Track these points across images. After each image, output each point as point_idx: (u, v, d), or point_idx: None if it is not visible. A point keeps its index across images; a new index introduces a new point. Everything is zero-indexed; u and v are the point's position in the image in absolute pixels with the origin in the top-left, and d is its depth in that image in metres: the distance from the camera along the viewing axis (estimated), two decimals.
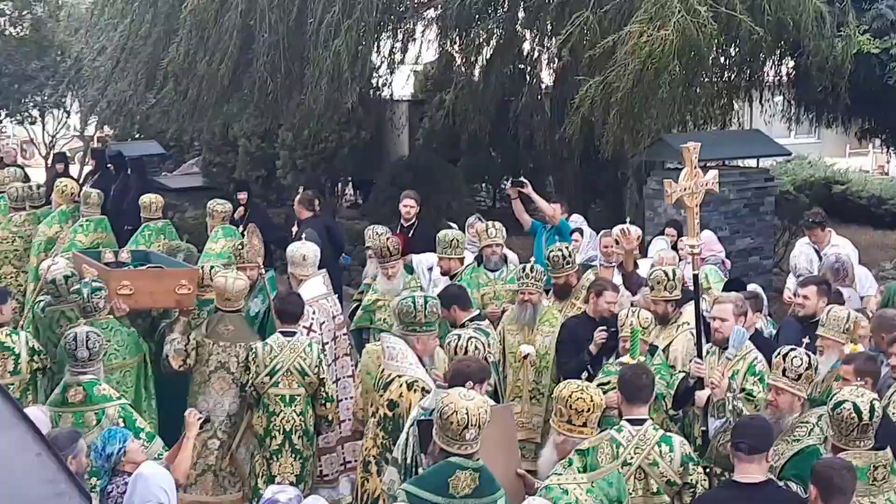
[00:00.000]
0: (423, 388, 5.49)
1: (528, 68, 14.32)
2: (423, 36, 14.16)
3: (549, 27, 11.83)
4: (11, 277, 9.96)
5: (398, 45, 13.94)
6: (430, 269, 8.68)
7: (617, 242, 8.07)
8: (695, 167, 6.12)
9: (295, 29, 11.94)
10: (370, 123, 16.48)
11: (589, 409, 4.71)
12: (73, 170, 17.82)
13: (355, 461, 7.29)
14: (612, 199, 14.19)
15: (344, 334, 7.76)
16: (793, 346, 5.38)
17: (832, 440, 4.80)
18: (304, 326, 7.11)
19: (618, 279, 7.93)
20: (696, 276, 6.22)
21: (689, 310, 6.64)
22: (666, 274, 6.83)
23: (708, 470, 5.51)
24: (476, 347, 5.67)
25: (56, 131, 20.51)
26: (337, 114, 13.19)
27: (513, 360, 7.44)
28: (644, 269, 7.95)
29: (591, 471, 4.62)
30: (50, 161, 18.85)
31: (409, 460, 5.09)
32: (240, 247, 8.05)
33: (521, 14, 12.95)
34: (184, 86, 12.95)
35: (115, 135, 20.25)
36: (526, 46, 14.02)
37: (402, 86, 16.72)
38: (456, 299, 7.01)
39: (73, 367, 6.12)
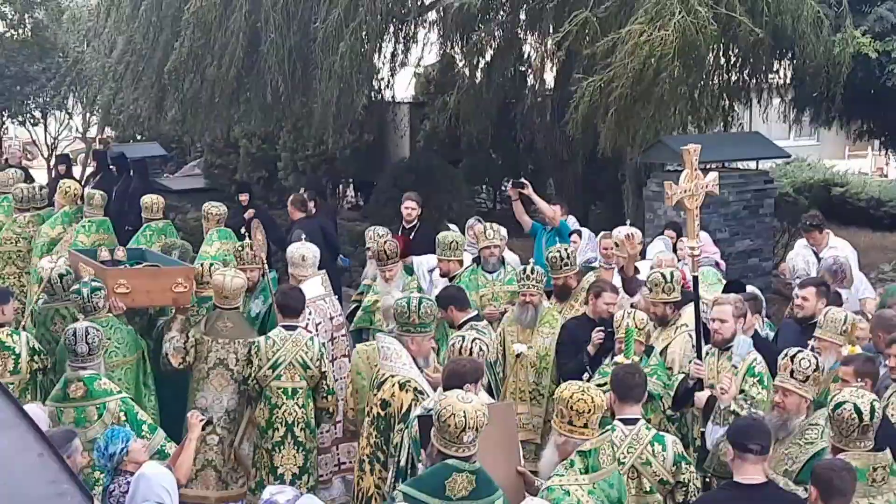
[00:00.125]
0: (415, 389, 5.52)
1: (529, 70, 14.35)
2: (424, 38, 14.20)
3: (549, 27, 11.84)
4: (14, 278, 9.98)
5: (400, 47, 13.98)
6: (431, 271, 8.69)
7: (617, 245, 8.07)
8: (695, 169, 6.13)
9: (298, 30, 11.97)
10: (372, 125, 16.50)
11: (590, 411, 4.71)
12: (76, 171, 17.83)
13: (350, 462, 7.33)
14: (613, 200, 14.21)
15: (343, 335, 7.77)
16: (800, 348, 5.39)
17: (832, 441, 4.80)
18: (300, 327, 7.13)
19: (618, 281, 7.93)
20: (696, 278, 6.23)
21: (688, 311, 6.64)
22: (664, 276, 6.83)
23: (707, 479, 5.53)
24: (481, 349, 5.68)
25: (58, 133, 20.55)
26: (346, 118, 13.23)
27: (513, 362, 7.46)
28: (643, 271, 7.96)
29: (593, 472, 4.63)
30: (52, 162, 18.88)
31: (402, 462, 5.11)
32: (240, 248, 8.07)
33: (521, 16, 12.97)
34: (192, 89, 12.97)
35: (117, 136, 20.29)
36: (527, 48, 14.05)
37: (403, 88, 16.75)
38: (453, 300, 7.05)
39: (73, 362, 6.15)
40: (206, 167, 18.62)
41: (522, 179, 9.80)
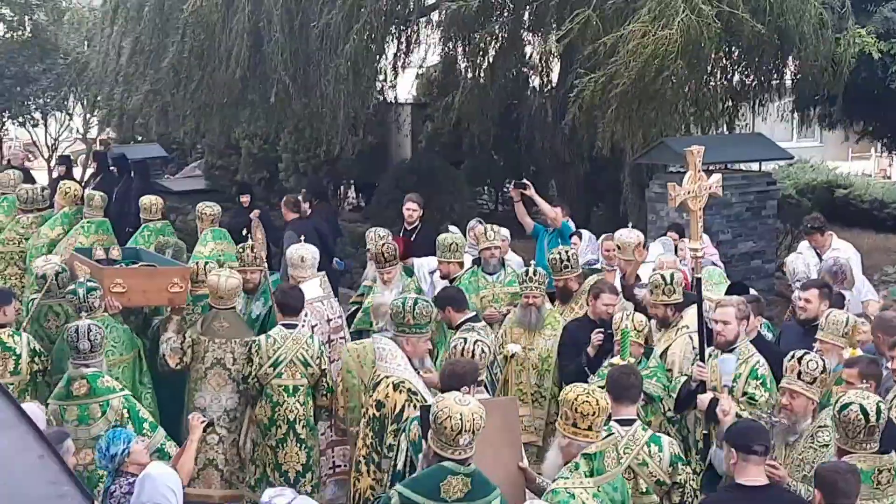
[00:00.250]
0: (409, 390, 5.52)
1: (531, 71, 14.33)
2: (426, 39, 14.19)
3: (552, 26, 11.83)
4: (16, 279, 9.98)
5: (402, 48, 13.98)
6: (432, 273, 8.68)
7: (619, 248, 8.06)
8: (698, 170, 6.12)
9: (300, 32, 11.97)
10: (373, 127, 16.50)
11: (594, 413, 4.70)
12: (76, 172, 17.83)
13: (344, 465, 7.32)
14: (614, 202, 14.19)
15: (341, 338, 7.74)
16: (806, 350, 5.38)
17: (837, 443, 4.79)
18: (300, 326, 7.16)
19: (619, 283, 7.93)
20: (698, 280, 6.21)
21: (689, 313, 6.64)
22: (664, 278, 6.82)
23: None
24: (483, 351, 5.68)
25: (58, 134, 20.55)
26: (358, 119, 13.26)
27: (515, 364, 7.44)
28: (644, 273, 7.93)
29: (598, 475, 4.62)
30: (52, 163, 18.88)
31: (399, 465, 5.10)
32: (241, 250, 8.08)
33: (523, 17, 12.96)
34: (199, 91, 12.96)
35: (118, 138, 20.29)
36: (529, 49, 14.04)
37: (405, 89, 16.74)
38: (451, 301, 7.05)
39: (75, 359, 6.16)
40: (207, 168, 18.62)
41: (524, 180, 9.79)
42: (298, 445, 6.80)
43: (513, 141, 15.47)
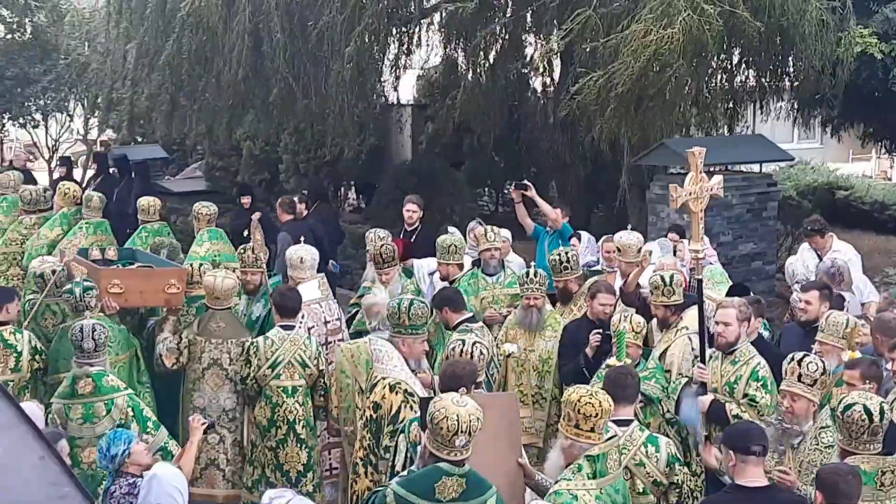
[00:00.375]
0: (405, 391, 5.52)
1: (532, 72, 14.34)
2: (427, 41, 14.19)
3: (553, 27, 11.83)
4: (18, 279, 9.99)
5: (403, 50, 13.98)
6: (432, 274, 8.67)
7: (619, 250, 8.06)
8: (700, 172, 6.12)
9: (301, 34, 11.97)
10: (374, 128, 16.50)
11: (597, 415, 4.68)
12: (76, 173, 17.84)
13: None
14: (615, 203, 14.17)
15: (339, 340, 7.72)
16: (805, 352, 5.37)
17: (840, 444, 4.79)
18: (297, 327, 7.17)
19: (620, 285, 7.93)
20: (699, 282, 6.21)
21: (689, 314, 6.64)
22: (664, 279, 6.82)
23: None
24: (481, 353, 5.67)
25: (59, 135, 20.56)
26: (363, 119, 13.27)
27: (515, 365, 7.44)
28: (643, 276, 7.89)
29: (601, 477, 4.62)
30: (53, 165, 18.89)
31: (398, 467, 5.10)
32: (242, 251, 8.09)
33: (524, 17, 12.96)
34: (204, 93, 12.97)
35: (118, 139, 20.30)
36: (529, 50, 14.04)
37: (405, 90, 16.74)
38: (448, 301, 7.08)
39: (79, 358, 6.17)
40: (208, 169, 18.63)
41: (525, 181, 9.79)
42: (299, 445, 6.83)
43: (513, 142, 15.48)
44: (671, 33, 9.28)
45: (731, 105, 12.92)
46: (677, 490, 5.21)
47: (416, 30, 13.94)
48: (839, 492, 4.30)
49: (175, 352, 7.09)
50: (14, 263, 10.13)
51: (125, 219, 11.81)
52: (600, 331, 6.79)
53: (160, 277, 7.53)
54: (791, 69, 12.29)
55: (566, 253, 7.77)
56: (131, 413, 6.02)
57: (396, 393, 5.53)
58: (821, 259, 8.87)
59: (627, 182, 12.91)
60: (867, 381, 5.45)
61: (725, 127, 13.16)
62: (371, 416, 5.62)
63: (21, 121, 19.50)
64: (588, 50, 10.14)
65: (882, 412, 4.69)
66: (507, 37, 13.33)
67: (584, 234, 9.83)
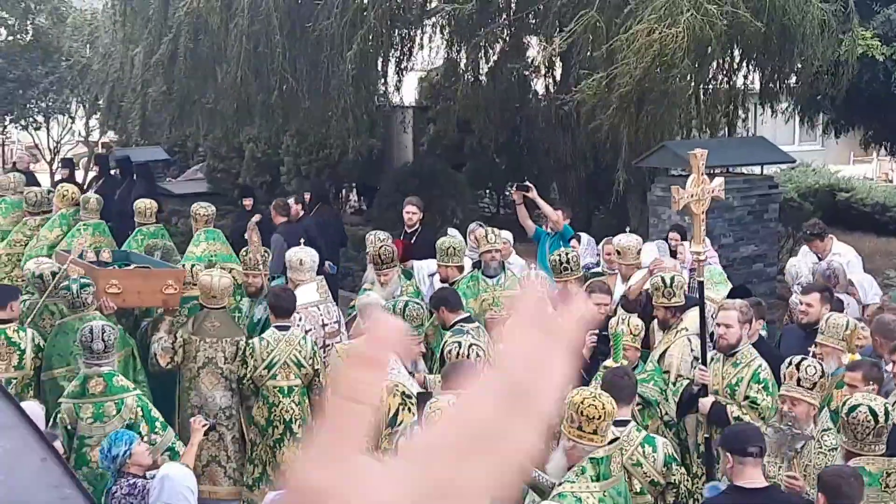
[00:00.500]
0: (402, 393, 5.51)
1: (533, 74, 14.32)
2: (429, 42, 14.18)
3: (555, 29, 11.82)
4: (22, 280, 10.03)
5: (405, 52, 13.97)
6: (432, 276, 8.66)
7: (619, 252, 8.05)
8: (702, 174, 6.11)
9: (302, 36, 11.97)
10: (375, 130, 16.49)
11: (600, 417, 4.69)
12: (78, 175, 17.84)
13: None
14: (616, 205, 14.15)
15: (338, 342, 7.73)
16: (803, 356, 5.36)
17: (845, 446, 4.79)
18: (292, 327, 7.24)
19: (621, 287, 7.93)
20: (701, 283, 6.20)
21: (689, 315, 6.64)
22: (664, 280, 6.83)
23: None
24: (478, 355, 5.66)
25: (61, 137, 20.55)
26: (363, 123, 13.25)
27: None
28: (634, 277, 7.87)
29: (604, 480, 4.62)
30: (55, 166, 18.89)
31: None
32: (244, 254, 8.12)
33: (526, 19, 12.95)
34: (209, 97, 12.96)
35: (119, 140, 20.29)
36: (531, 52, 14.02)
37: (407, 92, 16.72)
38: (444, 301, 7.12)
39: (88, 359, 6.24)
40: (209, 171, 18.61)
41: (527, 183, 9.78)
42: (296, 445, 6.90)
43: (515, 144, 15.45)
44: (675, 32, 9.26)
45: (732, 107, 12.90)
46: (674, 490, 5.24)
47: (418, 32, 13.93)
48: (841, 494, 4.30)
49: (170, 351, 7.16)
50: (18, 264, 10.17)
51: (127, 220, 11.79)
52: (596, 331, 6.77)
53: (158, 278, 7.64)
54: (793, 70, 12.28)
55: (566, 254, 7.78)
56: (140, 413, 6.12)
57: (394, 395, 5.53)
58: (821, 261, 8.88)
59: (628, 183, 12.90)
60: (869, 383, 5.45)
61: (726, 129, 13.14)
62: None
63: (23, 122, 19.51)
64: (590, 51, 10.12)
65: (887, 413, 4.71)
66: (508, 38, 13.32)
67: (584, 236, 9.82)
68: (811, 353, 5.39)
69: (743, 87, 12.87)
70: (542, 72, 13.99)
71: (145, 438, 6.07)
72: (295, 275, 7.80)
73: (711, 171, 9.94)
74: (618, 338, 6.11)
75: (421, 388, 5.76)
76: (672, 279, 6.85)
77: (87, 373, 6.17)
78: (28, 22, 18.67)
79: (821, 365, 5.32)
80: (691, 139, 11.91)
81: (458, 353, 5.65)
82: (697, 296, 6.41)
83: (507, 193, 16.39)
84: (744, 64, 12.24)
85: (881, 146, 16.19)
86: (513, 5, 12.94)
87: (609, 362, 6.02)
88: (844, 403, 4.81)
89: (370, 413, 0.93)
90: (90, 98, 18.18)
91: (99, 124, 20.22)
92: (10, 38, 18.82)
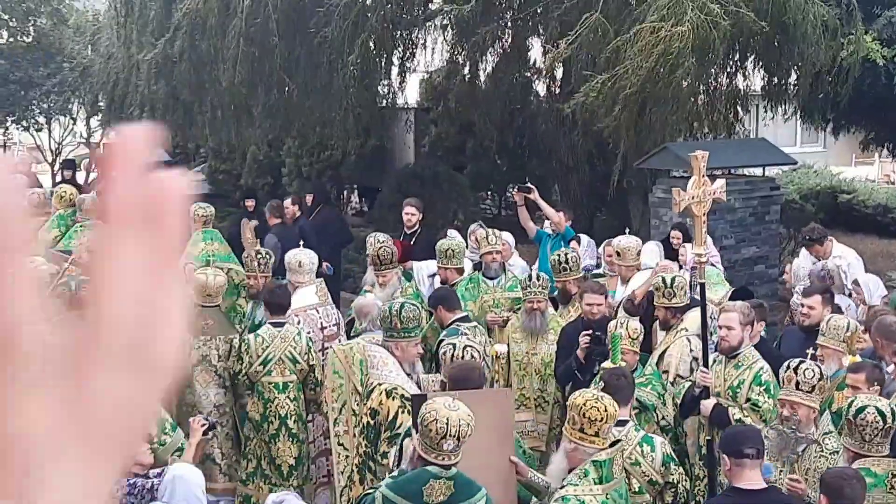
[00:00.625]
0: (401, 396, 5.49)
1: (535, 76, 14.32)
2: (430, 44, 14.18)
3: (557, 31, 11.81)
4: None
5: (406, 53, 13.97)
6: (432, 276, 8.67)
7: (619, 254, 8.06)
8: (703, 175, 6.11)
9: (303, 39, 11.97)
10: (377, 131, 16.49)
11: (602, 419, 4.68)
12: (80, 176, 17.84)
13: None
14: (618, 207, 14.16)
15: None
16: (801, 359, 5.35)
17: (851, 448, 4.78)
18: (287, 323, 7.28)
19: (620, 290, 7.93)
20: (702, 286, 6.20)
21: (690, 316, 6.65)
22: (664, 281, 6.84)
23: None
24: (472, 356, 5.64)
25: (62, 138, 20.57)
26: (367, 123, 13.27)
27: (518, 369, 7.43)
28: (638, 281, 7.88)
29: (606, 482, 4.63)
30: (56, 167, 18.89)
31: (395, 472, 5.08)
32: (247, 256, 8.17)
33: (529, 21, 12.95)
34: (209, 99, 12.96)
35: None
36: (533, 54, 14.02)
37: (408, 94, 16.73)
38: (442, 300, 7.15)
39: None
40: (211, 173, 18.61)
41: (528, 184, 9.78)
42: (290, 440, 7.01)
43: (516, 145, 15.46)
44: (681, 31, 9.26)
45: (734, 108, 12.89)
46: (672, 490, 5.26)
47: (420, 33, 13.94)
48: (844, 496, 4.30)
49: None
50: None
51: None
52: (589, 332, 6.77)
53: None
54: (795, 72, 12.28)
55: (566, 254, 7.79)
56: None
57: (393, 398, 5.51)
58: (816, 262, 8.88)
59: (630, 184, 12.91)
60: (872, 385, 5.45)
61: (728, 130, 13.13)
62: (368, 422, 5.60)
63: (24, 124, 19.52)
64: (593, 53, 10.11)
65: (893, 414, 4.73)
66: (510, 40, 13.32)
67: (584, 238, 9.82)
68: (809, 356, 5.37)
69: (745, 89, 12.86)
70: (544, 74, 13.98)
71: (156, 439, 6.12)
72: (294, 277, 7.82)
73: (713, 173, 9.97)
74: (616, 339, 6.11)
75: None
76: (673, 280, 6.86)
77: None
78: (29, 24, 18.68)
79: (819, 367, 5.30)
80: (693, 140, 11.90)
81: (452, 355, 5.64)
82: (698, 297, 6.40)
83: (509, 195, 16.39)
84: (746, 65, 12.23)
85: (883, 147, 16.19)
86: (515, 6, 12.94)
87: (607, 363, 6.02)
88: (850, 405, 4.80)
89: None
90: (91, 99, 18.18)
91: (100, 125, 20.22)
92: (12, 39, 18.83)
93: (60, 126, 20.44)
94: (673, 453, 5.42)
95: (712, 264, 8.89)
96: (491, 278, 8.11)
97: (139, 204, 0.70)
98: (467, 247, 9.01)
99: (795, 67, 11.91)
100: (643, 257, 8.58)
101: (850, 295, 8.42)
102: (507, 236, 9.31)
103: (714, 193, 6.14)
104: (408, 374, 5.74)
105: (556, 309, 7.72)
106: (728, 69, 12.13)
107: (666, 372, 6.55)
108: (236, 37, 11.85)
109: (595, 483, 4.62)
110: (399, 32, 13.35)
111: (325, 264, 10.35)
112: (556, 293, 7.84)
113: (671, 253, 8.87)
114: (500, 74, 13.57)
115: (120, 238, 0.70)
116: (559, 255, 7.77)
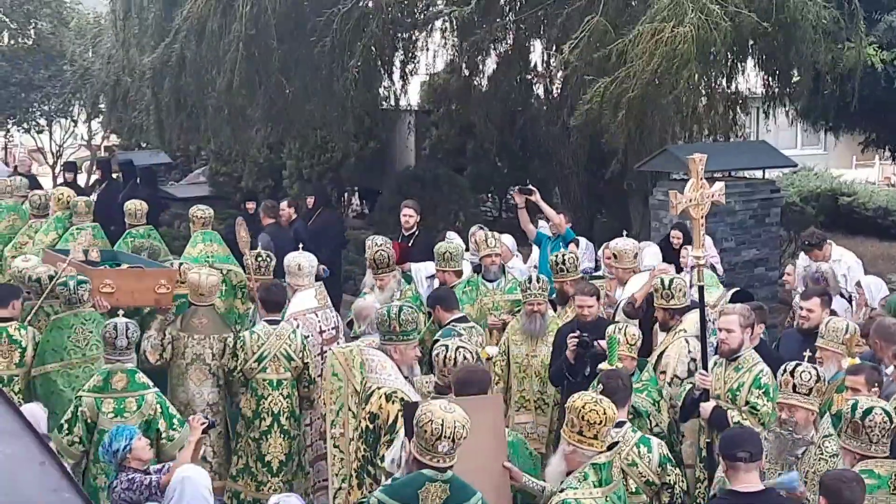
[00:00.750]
0: (401, 399, 5.47)
1: (535, 78, 14.34)
2: (431, 47, 14.21)
3: (556, 30, 11.83)
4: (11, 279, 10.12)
5: (408, 56, 13.99)
6: (430, 278, 8.68)
7: (615, 256, 8.07)
8: (700, 178, 6.12)
9: (304, 41, 11.99)
10: (377, 134, 16.51)
11: (601, 422, 4.69)
12: (81, 179, 17.89)
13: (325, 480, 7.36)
14: (618, 209, 14.18)
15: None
16: (798, 362, 5.35)
17: (857, 450, 4.78)
18: (282, 321, 7.36)
19: (619, 291, 7.94)
20: (701, 288, 6.21)
21: (689, 317, 6.66)
22: (663, 282, 6.85)
23: None
24: (465, 358, 5.63)
25: (63, 140, 20.60)
26: (369, 125, 13.30)
27: (518, 371, 7.44)
28: (636, 283, 7.88)
29: (606, 485, 4.64)
30: (58, 170, 18.94)
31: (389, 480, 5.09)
32: (247, 259, 8.20)
33: (530, 24, 12.96)
34: (210, 101, 12.97)
35: (122, 144, 20.33)
36: (533, 56, 14.04)
37: (409, 96, 16.75)
38: (440, 300, 7.20)
39: (110, 355, 6.36)
40: (212, 175, 18.63)
41: (530, 186, 9.78)
42: (282, 436, 7.07)
43: (517, 148, 15.47)
44: (683, 32, 9.26)
45: (734, 111, 12.91)
46: (669, 490, 5.29)
47: (421, 35, 13.96)
48: (843, 497, 4.31)
49: (158, 348, 7.30)
50: None
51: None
52: (577, 335, 6.77)
53: (151, 278, 7.81)
54: (795, 75, 12.30)
55: (563, 255, 7.82)
56: (159, 410, 6.25)
57: (393, 402, 5.50)
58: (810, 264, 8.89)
59: (630, 187, 12.93)
60: (872, 387, 5.46)
61: (728, 133, 13.15)
62: (367, 426, 5.58)
63: (25, 126, 19.56)
64: (596, 56, 10.11)
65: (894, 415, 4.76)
66: (511, 42, 13.34)
67: (583, 241, 9.81)
68: (806, 358, 5.37)
69: (745, 91, 12.87)
70: (545, 76, 14.00)
71: (164, 435, 6.19)
72: (293, 280, 7.83)
73: (713, 175, 9.99)
74: (613, 340, 6.12)
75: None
76: (671, 281, 6.88)
77: (111, 368, 6.30)
78: (30, 26, 18.73)
79: (816, 370, 5.28)
80: (694, 143, 11.92)
81: (444, 357, 5.63)
82: (697, 300, 6.41)
83: (509, 197, 16.39)
84: (746, 67, 12.24)
85: (883, 149, 16.20)
86: (516, 8, 12.95)
87: (604, 365, 6.03)
88: (854, 407, 4.79)
89: None
90: (91, 101, 18.21)
91: (101, 128, 20.26)
92: (13, 41, 18.87)
93: (61, 128, 20.48)
94: (670, 454, 5.44)
95: (712, 266, 8.93)
96: (490, 281, 8.12)
97: None
98: (468, 249, 9.02)
99: (796, 69, 11.93)
100: (646, 259, 8.59)
101: (850, 299, 8.43)
102: (508, 239, 9.32)
103: (713, 196, 6.15)
104: (406, 378, 5.74)
105: (554, 310, 7.72)
106: (727, 71, 12.13)
107: (664, 372, 6.56)
108: (237, 40, 11.86)
109: (595, 486, 4.63)
110: (400, 35, 13.38)
111: (321, 267, 10.38)
112: (554, 295, 7.85)
113: (672, 253, 8.88)
114: (501, 76, 13.59)
115: None
116: (557, 256, 7.80)
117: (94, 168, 17.87)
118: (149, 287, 7.67)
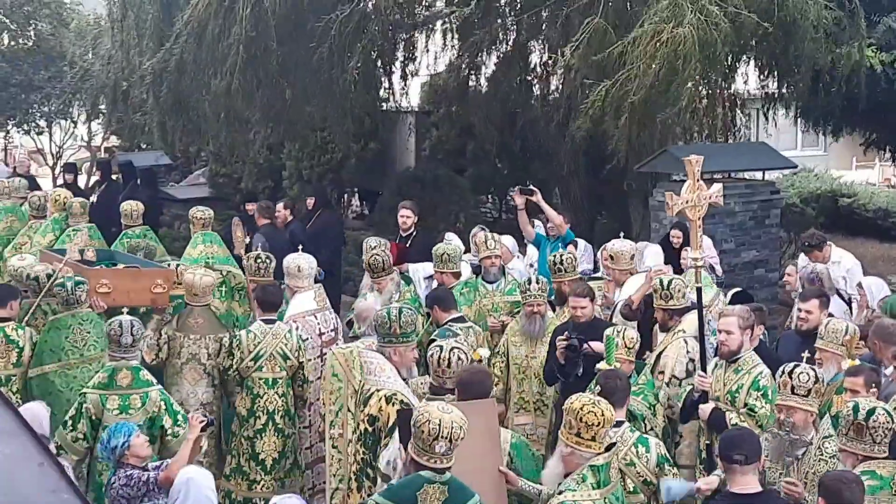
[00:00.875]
0: (401, 401, 5.46)
1: (535, 79, 14.34)
2: (431, 48, 14.21)
3: (557, 35, 11.83)
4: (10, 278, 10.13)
5: (408, 57, 14.00)
6: (429, 278, 8.68)
7: (612, 258, 8.07)
8: (697, 180, 6.11)
9: (303, 42, 11.99)
10: (377, 135, 16.51)
11: (599, 424, 4.69)
12: (81, 180, 17.89)
13: (322, 484, 7.35)
14: (618, 210, 14.18)
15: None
16: (796, 363, 5.35)
17: (858, 451, 4.78)
18: (278, 321, 7.41)
19: (616, 293, 7.94)
20: (699, 289, 6.21)
21: (688, 318, 6.67)
22: (661, 283, 6.86)
23: None
24: (459, 358, 5.63)
25: (63, 142, 20.61)
26: (370, 127, 13.31)
27: (517, 372, 7.44)
28: (633, 284, 7.88)
29: (604, 486, 4.65)
30: (58, 171, 18.94)
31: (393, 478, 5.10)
32: (247, 260, 8.26)
33: (530, 25, 12.97)
34: (208, 104, 12.98)
35: (122, 145, 20.34)
36: (533, 58, 14.04)
37: (409, 97, 16.75)
38: (438, 300, 7.24)
39: (115, 352, 6.38)
40: (212, 176, 18.63)
41: (531, 186, 9.78)
42: (276, 435, 7.12)
43: (517, 149, 15.47)
44: (682, 33, 9.26)
45: (733, 112, 12.91)
46: None
47: (421, 36, 13.97)
48: (843, 499, 4.31)
49: (154, 348, 7.34)
50: None
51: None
52: (565, 336, 6.77)
53: (147, 278, 7.84)
54: (795, 77, 12.30)
55: (561, 255, 7.82)
56: (163, 406, 6.28)
57: (393, 404, 5.49)
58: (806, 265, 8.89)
59: (631, 188, 12.92)
60: (871, 388, 5.47)
61: (728, 134, 13.15)
62: (367, 429, 5.56)
63: (25, 127, 19.57)
64: (596, 58, 10.11)
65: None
66: (511, 44, 13.34)
67: (581, 242, 9.82)
68: (805, 359, 5.37)
69: (745, 93, 12.87)
70: (545, 77, 14.00)
71: (169, 431, 6.22)
72: (292, 281, 7.82)
73: (712, 177, 9.99)
74: (610, 340, 6.12)
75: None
76: (670, 282, 6.88)
77: (116, 365, 6.32)
78: (30, 27, 18.74)
79: (814, 371, 5.28)
80: (693, 144, 11.92)
81: (438, 358, 5.64)
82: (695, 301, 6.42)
83: (510, 198, 16.38)
84: (746, 68, 12.24)
85: (884, 150, 16.20)
86: (517, 8, 12.96)
87: (602, 365, 6.03)
88: (856, 409, 4.78)
89: None
90: (91, 102, 18.22)
91: (101, 129, 20.27)
92: (13, 43, 18.88)
93: (61, 129, 20.48)
94: (668, 454, 5.46)
95: (710, 266, 8.93)
96: (490, 282, 8.12)
97: None
98: (468, 250, 9.02)
99: (796, 70, 11.93)
100: (647, 259, 8.60)
101: (850, 300, 8.43)
102: (509, 240, 9.32)
103: (710, 198, 6.15)
104: (404, 380, 5.73)
105: (553, 312, 7.73)
106: (728, 73, 12.13)
107: (662, 372, 6.56)
108: (237, 42, 11.87)
109: (593, 488, 4.63)
110: (400, 36, 13.38)
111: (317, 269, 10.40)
112: (553, 296, 7.85)
113: (672, 253, 8.88)
114: (501, 77, 13.59)
115: None
116: (554, 257, 7.81)
117: (94, 169, 17.88)
118: (145, 287, 7.70)
